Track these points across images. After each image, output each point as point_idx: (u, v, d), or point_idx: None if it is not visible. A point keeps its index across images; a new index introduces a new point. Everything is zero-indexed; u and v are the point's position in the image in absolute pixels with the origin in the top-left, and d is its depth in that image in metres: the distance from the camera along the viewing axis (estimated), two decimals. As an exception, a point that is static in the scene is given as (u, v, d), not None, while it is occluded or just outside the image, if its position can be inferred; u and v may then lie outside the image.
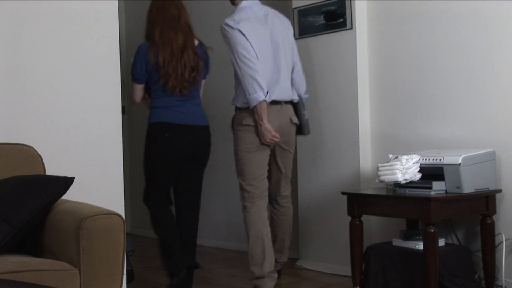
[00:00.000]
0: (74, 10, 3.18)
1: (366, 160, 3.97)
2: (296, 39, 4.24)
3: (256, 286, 3.56)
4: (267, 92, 3.48)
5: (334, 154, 4.07)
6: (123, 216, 2.53)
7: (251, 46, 3.47)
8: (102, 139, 3.25)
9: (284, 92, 3.63)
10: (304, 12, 4.19)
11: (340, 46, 4.03)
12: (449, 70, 3.62)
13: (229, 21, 3.57)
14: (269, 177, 3.71)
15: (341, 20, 4.00)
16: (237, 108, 3.65)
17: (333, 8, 4.03)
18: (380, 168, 3.34)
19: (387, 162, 3.37)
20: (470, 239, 3.51)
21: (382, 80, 3.95)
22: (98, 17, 3.25)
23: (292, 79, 3.73)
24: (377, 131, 3.97)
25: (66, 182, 2.49)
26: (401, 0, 3.82)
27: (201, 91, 3.73)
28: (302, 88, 3.81)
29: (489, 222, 3.31)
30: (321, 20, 4.11)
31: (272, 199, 3.80)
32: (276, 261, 3.70)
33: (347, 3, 3.95)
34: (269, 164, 3.69)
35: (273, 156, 3.69)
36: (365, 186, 3.91)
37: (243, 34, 3.48)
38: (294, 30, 4.17)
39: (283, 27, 3.73)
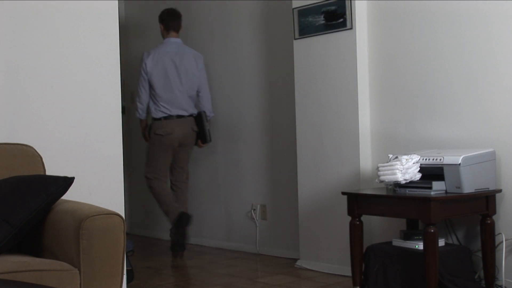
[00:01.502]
0: (74, 10, 3.18)
1: (366, 160, 3.97)
2: (296, 39, 4.26)
3: (168, 213, 4.86)
4: (144, 115, 4.90)
5: (334, 154, 4.07)
6: (123, 216, 2.53)
7: (148, 80, 4.78)
8: (102, 139, 3.25)
9: (182, 109, 4.80)
10: (304, 12, 4.19)
11: (340, 46, 4.03)
12: (449, 70, 3.62)
13: (145, 53, 4.83)
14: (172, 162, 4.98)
15: (341, 20, 4.00)
16: (153, 119, 4.84)
17: (333, 8, 4.03)
18: (380, 168, 3.33)
19: (387, 162, 3.37)
20: (470, 239, 3.51)
21: (382, 80, 3.95)
22: (98, 17, 3.25)
23: (199, 101, 4.92)
24: (377, 131, 3.97)
25: (66, 182, 2.49)
26: (401, 0, 3.82)
27: None
28: (207, 108, 4.92)
29: (489, 222, 3.31)
30: (321, 20, 4.11)
31: (171, 173, 5.01)
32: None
33: (347, 3, 3.95)
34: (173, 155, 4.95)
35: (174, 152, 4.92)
36: (365, 186, 3.90)
37: (146, 69, 4.77)
38: (294, 30, 4.27)
39: (191, 61, 4.86)
